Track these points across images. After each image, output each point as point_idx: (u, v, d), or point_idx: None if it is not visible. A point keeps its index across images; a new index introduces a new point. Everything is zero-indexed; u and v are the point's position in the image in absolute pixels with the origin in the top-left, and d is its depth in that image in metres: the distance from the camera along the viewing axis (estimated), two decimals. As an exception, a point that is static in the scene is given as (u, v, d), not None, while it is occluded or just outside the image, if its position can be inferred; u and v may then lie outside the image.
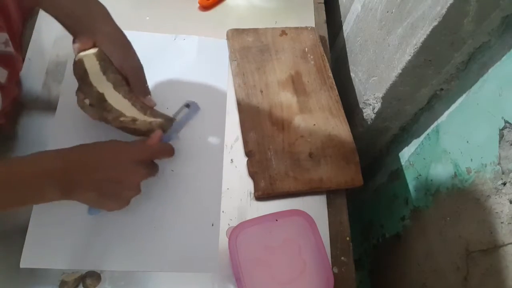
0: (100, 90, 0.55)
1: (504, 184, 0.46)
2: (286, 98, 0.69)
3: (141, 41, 0.72)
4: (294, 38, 0.76)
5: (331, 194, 0.65)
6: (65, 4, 0.53)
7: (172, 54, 0.73)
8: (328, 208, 0.64)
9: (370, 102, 0.71)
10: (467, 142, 0.53)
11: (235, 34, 0.75)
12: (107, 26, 0.55)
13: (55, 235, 0.56)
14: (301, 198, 0.63)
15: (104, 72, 0.55)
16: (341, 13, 0.85)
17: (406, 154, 0.71)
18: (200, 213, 0.60)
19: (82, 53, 0.54)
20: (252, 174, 0.63)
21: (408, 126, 0.71)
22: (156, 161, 0.56)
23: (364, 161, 0.69)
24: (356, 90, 0.77)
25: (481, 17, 0.47)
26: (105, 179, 0.50)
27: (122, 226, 0.58)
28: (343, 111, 0.70)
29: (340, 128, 0.68)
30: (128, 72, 0.56)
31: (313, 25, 0.81)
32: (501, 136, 0.47)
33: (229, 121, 0.68)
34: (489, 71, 0.50)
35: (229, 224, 0.60)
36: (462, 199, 0.54)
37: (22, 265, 0.54)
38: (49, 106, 0.65)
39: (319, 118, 0.68)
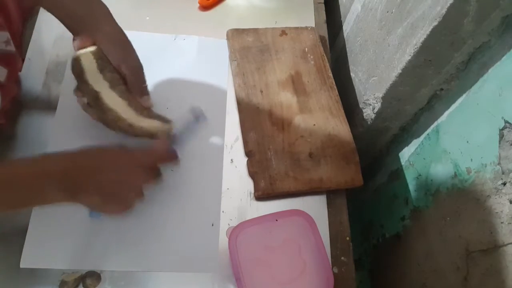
0: (96, 89, 0.54)
1: (504, 184, 0.46)
2: (286, 98, 0.69)
3: (141, 41, 0.72)
4: (294, 38, 0.76)
5: (331, 194, 0.65)
6: (66, 3, 0.53)
7: (172, 54, 0.73)
8: (328, 208, 0.64)
9: (370, 102, 0.71)
10: (467, 142, 0.53)
11: (235, 34, 0.75)
12: (107, 25, 0.55)
13: (55, 235, 0.56)
14: (301, 198, 0.63)
15: (101, 71, 0.54)
16: (341, 13, 0.85)
17: (406, 154, 0.71)
18: (200, 213, 0.60)
19: (80, 51, 0.54)
20: (252, 174, 0.63)
21: (408, 126, 0.71)
22: None
23: (364, 161, 0.69)
24: (356, 90, 0.77)
25: (481, 17, 0.47)
26: (110, 183, 0.50)
27: (122, 226, 0.58)
28: (343, 111, 0.70)
29: (340, 128, 0.68)
30: (126, 72, 0.56)
31: (313, 25, 0.81)
32: (501, 136, 0.47)
33: (229, 121, 0.68)
34: (489, 71, 0.50)
35: (229, 224, 0.60)
36: (462, 199, 0.54)
37: (22, 265, 0.54)
38: (49, 106, 0.65)
39: (319, 118, 0.68)
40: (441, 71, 0.57)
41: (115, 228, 0.57)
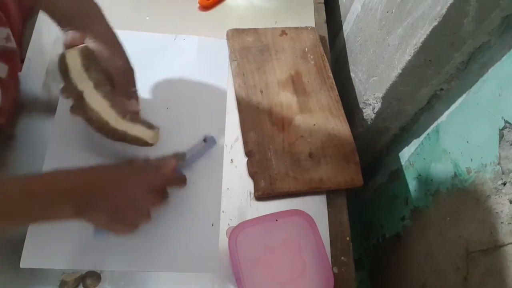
0: (80, 88, 0.53)
1: (504, 184, 0.46)
2: (286, 98, 0.69)
3: (141, 41, 0.73)
4: (294, 38, 0.76)
5: (331, 194, 0.65)
6: (60, 3, 0.52)
7: (172, 54, 0.73)
8: (328, 208, 0.64)
9: (370, 102, 0.71)
10: (467, 142, 0.53)
11: (235, 34, 0.75)
12: (99, 25, 0.54)
13: (55, 235, 0.56)
14: (301, 198, 0.63)
15: (86, 70, 0.53)
16: (341, 13, 0.85)
17: (406, 154, 0.71)
18: (200, 213, 0.60)
19: (67, 49, 0.53)
20: (252, 174, 0.63)
21: (408, 126, 0.71)
22: None
23: (364, 161, 0.69)
24: (356, 90, 0.77)
25: (481, 17, 0.47)
26: (119, 204, 0.50)
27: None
28: (343, 111, 0.70)
29: (340, 128, 0.68)
30: (114, 73, 0.55)
31: (313, 25, 0.81)
32: (501, 136, 0.47)
33: (229, 121, 0.68)
34: (489, 71, 0.50)
35: (229, 224, 0.60)
36: (462, 199, 0.54)
37: (22, 265, 0.54)
38: (49, 106, 0.65)
39: (319, 118, 0.68)
40: (441, 71, 0.57)
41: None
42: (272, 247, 0.56)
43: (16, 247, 0.55)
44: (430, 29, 0.50)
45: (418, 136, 0.67)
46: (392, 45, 0.61)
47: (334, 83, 0.72)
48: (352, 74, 0.79)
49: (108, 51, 0.54)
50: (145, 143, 0.57)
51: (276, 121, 0.67)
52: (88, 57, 0.53)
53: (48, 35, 0.71)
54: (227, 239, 0.56)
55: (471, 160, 0.52)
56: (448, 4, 0.47)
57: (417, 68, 0.57)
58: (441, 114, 0.60)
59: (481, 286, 0.50)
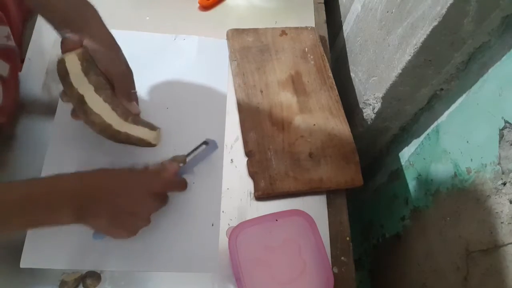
0: (81, 92, 0.53)
1: (504, 184, 0.46)
2: (286, 98, 0.69)
3: (141, 41, 0.73)
4: (294, 38, 0.76)
5: (331, 194, 0.65)
6: (56, 5, 0.52)
7: (172, 54, 0.73)
8: (328, 208, 0.64)
9: (370, 102, 0.71)
10: (467, 142, 0.53)
11: (235, 34, 0.75)
12: (96, 29, 0.54)
13: (55, 235, 0.56)
14: (301, 198, 0.63)
15: (86, 74, 0.53)
16: (341, 13, 0.85)
17: (406, 154, 0.71)
18: (200, 213, 0.60)
19: (65, 53, 0.53)
20: (252, 174, 0.63)
21: (408, 126, 0.71)
22: None
23: (364, 161, 0.69)
24: (356, 90, 0.77)
25: (481, 17, 0.47)
26: (119, 209, 0.50)
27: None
28: (343, 111, 0.70)
29: (340, 128, 0.68)
30: (113, 76, 0.55)
31: (313, 25, 0.81)
32: (501, 136, 0.47)
33: (229, 121, 0.68)
34: (489, 71, 0.50)
35: (229, 224, 0.60)
36: (462, 199, 0.54)
37: (22, 265, 0.54)
38: (49, 106, 0.65)
39: (319, 118, 0.68)
40: (441, 71, 0.57)
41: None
42: (272, 247, 0.56)
43: (16, 247, 0.55)
44: (430, 29, 0.50)
45: (418, 136, 0.67)
46: (392, 45, 0.61)
47: (334, 83, 0.72)
48: (352, 74, 0.79)
49: (107, 54, 0.54)
50: (148, 144, 0.57)
51: (276, 121, 0.67)
52: (87, 61, 0.53)
53: (48, 35, 0.71)
54: (227, 239, 0.56)
55: (471, 160, 0.53)
56: (448, 4, 0.47)
57: (417, 68, 0.57)
58: (441, 114, 0.60)
59: (481, 286, 0.50)
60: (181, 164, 0.57)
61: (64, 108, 0.64)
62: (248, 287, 0.53)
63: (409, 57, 0.56)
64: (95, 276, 0.55)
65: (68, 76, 0.53)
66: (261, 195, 0.62)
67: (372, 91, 0.69)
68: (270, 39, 0.75)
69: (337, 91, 0.72)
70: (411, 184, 0.69)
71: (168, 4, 0.78)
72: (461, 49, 0.53)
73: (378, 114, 0.70)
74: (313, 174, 0.63)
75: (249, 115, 0.67)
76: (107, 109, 0.54)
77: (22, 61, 0.68)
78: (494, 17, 0.47)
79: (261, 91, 0.70)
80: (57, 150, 0.61)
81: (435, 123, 0.61)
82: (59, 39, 0.54)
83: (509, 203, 0.46)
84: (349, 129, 0.68)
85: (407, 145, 0.70)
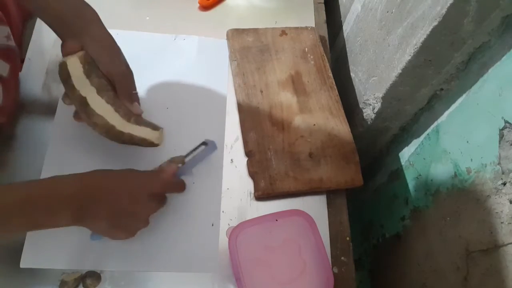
0: (83, 94, 0.53)
1: (504, 184, 0.46)
2: (286, 98, 0.69)
3: (141, 41, 0.73)
4: (294, 38, 0.76)
5: (331, 194, 0.65)
6: (55, 8, 0.52)
7: (172, 54, 0.73)
8: (328, 208, 0.64)
9: (370, 102, 0.71)
10: (467, 142, 0.53)
11: (235, 34, 0.75)
12: (96, 30, 0.54)
13: (55, 235, 0.56)
14: (301, 198, 0.63)
15: (88, 76, 0.53)
16: (341, 13, 0.85)
17: (406, 154, 0.71)
18: (200, 213, 0.60)
19: (67, 57, 0.53)
20: (252, 174, 0.63)
21: (408, 126, 0.71)
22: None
23: (364, 161, 0.69)
24: (356, 90, 0.77)
25: (481, 17, 0.47)
26: (119, 210, 0.50)
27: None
28: (343, 111, 0.70)
29: (340, 128, 0.68)
30: (114, 78, 0.55)
31: (313, 25, 0.81)
32: (501, 136, 0.47)
33: (229, 121, 0.68)
34: (489, 71, 0.50)
35: (229, 224, 0.60)
36: (462, 199, 0.54)
37: (22, 265, 0.54)
38: (49, 106, 0.65)
39: (319, 118, 0.68)
40: (441, 71, 0.57)
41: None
42: (272, 247, 0.56)
43: (16, 247, 0.55)
44: (430, 29, 0.50)
45: (418, 136, 0.67)
46: (392, 45, 0.61)
47: (334, 83, 0.72)
48: (352, 74, 0.79)
49: (107, 56, 0.55)
50: (150, 144, 0.57)
51: (276, 121, 0.67)
52: (89, 63, 0.54)
53: (48, 35, 0.71)
54: (227, 239, 0.56)
55: (471, 160, 0.53)
56: (448, 4, 0.47)
57: (417, 68, 0.57)
58: (441, 114, 0.60)
59: (481, 286, 0.50)
60: (179, 165, 0.57)
61: (64, 108, 0.64)
62: (248, 287, 0.53)
63: (409, 57, 0.56)
64: (95, 276, 0.55)
65: (70, 79, 0.53)
66: (261, 195, 0.62)
67: (372, 91, 0.69)
68: (270, 39, 0.75)
69: (337, 91, 0.72)
70: (411, 184, 0.69)
71: (168, 4, 0.78)
72: (461, 49, 0.53)
73: (378, 114, 0.70)
74: (313, 174, 0.63)
75: (249, 115, 0.67)
76: (110, 111, 0.54)
77: (22, 61, 0.68)
78: (494, 17, 0.47)
79: (261, 91, 0.70)
80: (57, 150, 0.61)
81: (435, 123, 0.62)
82: (59, 39, 0.54)
83: (509, 203, 0.46)
84: (349, 129, 0.68)
85: (407, 145, 0.70)
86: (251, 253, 0.56)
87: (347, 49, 0.81)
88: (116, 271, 0.56)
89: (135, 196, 0.51)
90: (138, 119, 0.57)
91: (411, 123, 0.69)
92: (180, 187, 0.57)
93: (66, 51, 0.53)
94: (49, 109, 0.65)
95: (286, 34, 0.76)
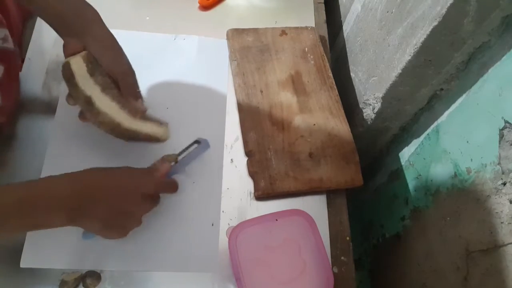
0: (88, 93, 0.53)
1: (504, 184, 0.46)
2: (286, 98, 0.69)
3: (141, 41, 0.73)
4: (294, 38, 0.76)
5: (331, 194, 0.65)
6: (56, 8, 0.52)
7: (172, 54, 0.73)
8: (328, 208, 0.64)
9: (370, 102, 0.71)
10: (467, 142, 0.53)
11: (235, 34, 0.75)
12: (97, 30, 0.54)
13: (55, 235, 0.56)
14: (301, 198, 0.63)
15: (92, 75, 0.53)
16: (341, 13, 0.85)
17: (406, 154, 0.71)
18: (200, 213, 0.60)
19: (70, 57, 0.53)
20: (252, 174, 0.63)
21: (408, 126, 0.71)
22: None
23: (364, 161, 0.69)
24: (356, 90, 0.77)
25: (481, 17, 0.47)
26: (114, 209, 0.50)
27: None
28: (343, 111, 0.70)
29: (340, 128, 0.68)
30: (117, 76, 0.55)
31: (313, 25, 0.81)
32: (501, 136, 0.47)
33: (229, 121, 0.68)
34: (489, 71, 0.50)
35: (229, 224, 0.60)
36: (462, 199, 0.54)
37: (22, 265, 0.54)
38: (49, 106, 0.65)
39: (319, 118, 0.68)
40: (441, 71, 0.57)
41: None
42: (272, 247, 0.56)
43: (16, 247, 0.55)
44: (430, 29, 0.50)
45: (418, 136, 0.67)
46: (392, 45, 0.61)
47: (334, 83, 0.72)
48: (352, 74, 0.79)
49: (110, 55, 0.55)
50: (156, 140, 0.57)
51: (276, 121, 0.67)
52: (92, 62, 0.54)
53: (48, 35, 0.71)
54: (227, 239, 0.56)
55: (471, 160, 0.53)
56: (448, 4, 0.47)
57: (417, 68, 0.57)
58: (441, 114, 0.60)
59: (481, 286, 0.50)
60: (172, 163, 0.57)
61: (64, 108, 0.64)
62: (248, 287, 0.53)
63: (409, 57, 0.56)
64: (95, 276, 0.55)
65: (74, 78, 0.53)
66: (261, 195, 0.62)
67: (372, 91, 0.70)
68: (270, 39, 0.75)
69: (337, 91, 0.72)
70: (411, 184, 0.69)
71: (168, 4, 0.78)
72: (461, 49, 0.53)
73: (378, 114, 0.70)
74: (313, 174, 0.63)
75: (249, 115, 0.67)
76: (115, 108, 0.54)
77: (22, 61, 0.68)
78: (494, 17, 0.47)
79: (261, 91, 0.70)
80: (57, 149, 0.61)
81: (435, 123, 0.62)
82: (60, 39, 0.54)
83: (509, 203, 0.46)
84: (349, 129, 0.68)
85: (407, 145, 0.70)
86: (251, 253, 0.56)
87: (347, 49, 0.81)
88: (116, 271, 0.56)
89: (129, 196, 0.51)
90: (143, 116, 0.57)
91: (411, 123, 0.69)
92: (172, 187, 0.57)
93: (68, 52, 0.53)
94: (49, 109, 0.65)
95: (286, 34, 0.76)
